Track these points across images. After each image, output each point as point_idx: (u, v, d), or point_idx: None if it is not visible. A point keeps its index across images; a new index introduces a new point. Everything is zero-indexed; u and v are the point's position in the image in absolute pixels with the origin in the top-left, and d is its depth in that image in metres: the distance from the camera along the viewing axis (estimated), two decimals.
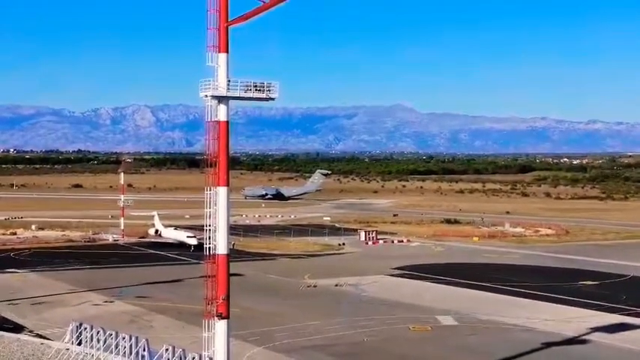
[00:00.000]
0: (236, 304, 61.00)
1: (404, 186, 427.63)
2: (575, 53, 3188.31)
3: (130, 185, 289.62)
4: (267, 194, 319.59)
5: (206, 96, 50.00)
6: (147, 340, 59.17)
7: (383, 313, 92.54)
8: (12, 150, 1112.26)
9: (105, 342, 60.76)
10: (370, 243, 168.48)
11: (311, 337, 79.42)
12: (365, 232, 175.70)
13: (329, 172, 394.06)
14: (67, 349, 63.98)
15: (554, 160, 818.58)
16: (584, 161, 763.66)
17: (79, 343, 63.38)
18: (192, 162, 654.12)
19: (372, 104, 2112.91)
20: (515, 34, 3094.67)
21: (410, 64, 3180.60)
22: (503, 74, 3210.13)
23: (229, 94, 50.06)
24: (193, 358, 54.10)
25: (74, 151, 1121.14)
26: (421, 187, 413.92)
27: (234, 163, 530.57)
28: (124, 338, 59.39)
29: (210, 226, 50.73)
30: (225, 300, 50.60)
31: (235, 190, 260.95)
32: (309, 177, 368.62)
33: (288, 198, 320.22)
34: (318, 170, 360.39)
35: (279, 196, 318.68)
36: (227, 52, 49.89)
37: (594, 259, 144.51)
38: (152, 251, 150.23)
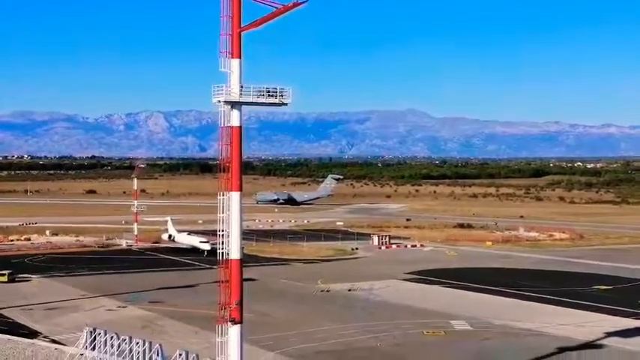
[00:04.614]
0: (249, 309, 61.05)
1: (417, 190, 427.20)
2: (589, 56, 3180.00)
3: (143, 191, 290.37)
4: (278, 199, 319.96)
5: (219, 101, 50.09)
6: (160, 345, 59.21)
7: (396, 317, 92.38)
8: (26, 156, 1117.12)
9: (119, 347, 60.84)
10: (383, 247, 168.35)
11: (324, 342, 79.33)
12: (378, 236, 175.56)
13: (341, 176, 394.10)
14: (82, 354, 64.13)
15: (568, 164, 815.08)
16: (599, 165, 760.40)
17: (93, 348, 63.54)
18: (205, 167, 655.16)
19: (384, 109, 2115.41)
20: (529, 37, 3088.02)
21: (422, 68, 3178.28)
22: (516, 78, 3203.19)
23: (242, 99, 50.13)
24: None
25: (88, 157, 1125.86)
26: (434, 192, 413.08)
27: (247, 168, 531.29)
28: (137, 343, 59.44)
29: (223, 231, 50.82)
30: (238, 305, 50.64)
31: (248, 195, 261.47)
32: (322, 182, 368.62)
33: (301, 203, 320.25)
34: (330, 175, 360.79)
35: (291, 201, 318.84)
36: (240, 57, 50.00)
37: (608, 264, 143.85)
38: (165, 256, 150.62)
